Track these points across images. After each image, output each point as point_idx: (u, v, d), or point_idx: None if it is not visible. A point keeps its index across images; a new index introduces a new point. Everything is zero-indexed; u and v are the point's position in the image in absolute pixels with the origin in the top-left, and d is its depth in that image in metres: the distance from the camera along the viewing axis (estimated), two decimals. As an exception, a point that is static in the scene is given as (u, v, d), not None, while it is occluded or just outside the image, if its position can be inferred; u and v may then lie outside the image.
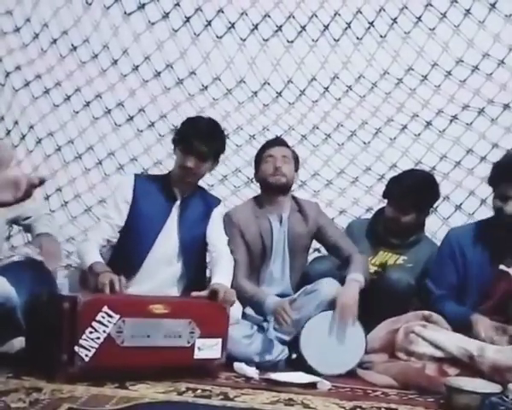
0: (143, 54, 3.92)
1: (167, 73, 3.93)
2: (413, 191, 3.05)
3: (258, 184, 3.19)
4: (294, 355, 2.79)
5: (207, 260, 2.93)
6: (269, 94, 3.92)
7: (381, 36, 3.77)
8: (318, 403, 2.16)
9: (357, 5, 3.77)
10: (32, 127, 4.03)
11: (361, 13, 3.77)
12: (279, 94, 3.92)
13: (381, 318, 2.79)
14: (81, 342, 2.16)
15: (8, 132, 3.99)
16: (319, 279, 2.83)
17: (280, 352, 2.78)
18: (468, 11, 3.63)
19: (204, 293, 2.53)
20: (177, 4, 3.86)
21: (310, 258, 3.21)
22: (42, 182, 1.78)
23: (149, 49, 3.91)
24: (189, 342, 2.37)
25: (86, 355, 2.16)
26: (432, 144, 3.83)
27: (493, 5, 3.59)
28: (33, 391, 1.99)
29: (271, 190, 3.02)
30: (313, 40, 3.83)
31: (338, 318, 2.70)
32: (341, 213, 3.89)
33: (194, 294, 2.55)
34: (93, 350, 2.17)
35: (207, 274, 2.92)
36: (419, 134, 3.85)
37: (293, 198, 3.11)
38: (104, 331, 2.20)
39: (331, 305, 2.75)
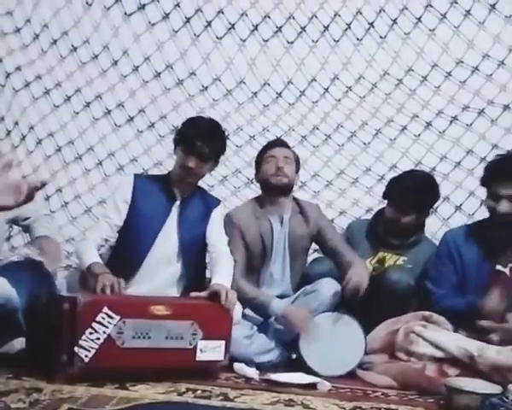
0: (143, 54, 3.92)
1: (167, 73, 3.93)
2: (413, 192, 3.06)
3: (258, 185, 3.19)
4: (294, 356, 2.79)
5: (207, 260, 2.93)
6: (269, 95, 3.92)
7: (381, 37, 3.77)
8: (318, 404, 2.16)
9: (357, 6, 3.77)
10: (32, 128, 4.03)
11: (361, 14, 3.76)
12: (279, 95, 3.92)
13: (381, 318, 2.79)
14: (81, 342, 2.16)
15: (9, 133, 3.99)
16: (319, 280, 2.84)
17: (280, 352, 2.78)
18: (468, 12, 3.63)
19: (204, 294, 2.53)
20: (178, 5, 3.86)
21: (309, 259, 3.21)
22: (43, 185, 1.79)
23: (149, 49, 3.92)
24: (191, 344, 2.37)
25: (86, 356, 2.16)
26: (432, 145, 3.83)
27: (493, 6, 3.59)
28: (33, 392, 1.99)
29: (273, 191, 3.01)
30: (313, 41, 3.83)
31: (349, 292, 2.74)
32: (341, 213, 3.90)
33: (194, 294, 2.55)
34: (93, 351, 2.17)
35: (207, 274, 2.92)
36: (419, 135, 3.85)
37: (295, 199, 3.11)
38: (104, 332, 2.20)
39: (331, 304, 2.76)
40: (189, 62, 3.91)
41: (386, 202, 3.25)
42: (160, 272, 2.76)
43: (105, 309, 2.20)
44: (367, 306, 2.82)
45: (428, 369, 2.50)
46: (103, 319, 2.20)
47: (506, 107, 3.69)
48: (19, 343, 2.40)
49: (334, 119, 3.91)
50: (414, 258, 3.14)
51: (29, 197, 1.73)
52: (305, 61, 3.85)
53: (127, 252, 2.75)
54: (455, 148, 3.81)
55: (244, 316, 2.81)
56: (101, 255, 2.68)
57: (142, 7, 3.87)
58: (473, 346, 2.50)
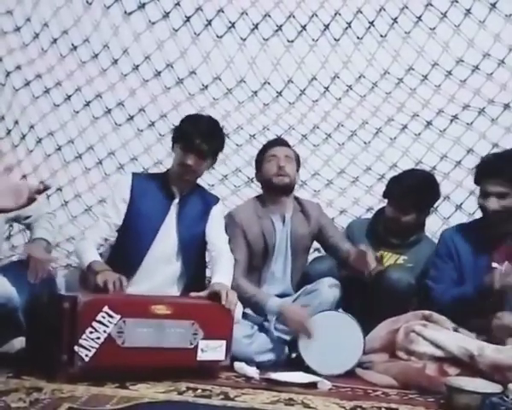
0: (144, 53, 3.92)
1: (167, 72, 3.93)
2: (413, 191, 3.06)
3: (258, 184, 3.18)
4: (294, 355, 2.79)
5: (207, 259, 2.93)
6: (269, 93, 3.92)
7: (382, 35, 3.77)
8: (319, 403, 2.16)
9: (357, 5, 3.77)
10: (32, 127, 4.03)
11: (361, 12, 3.77)
12: (279, 93, 3.92)
13: (382, 317, 2.79)
14: (81, 342, 2.16)
15: (9, 132, 3.99)
16: (319, 279, 2.83)
17: (280, 352, 2.78)
18: (468, 11, 3.64)
19: (203, 293, 2.52)
20: (178, 4, 3.86)
21: (310, 258, 3.21)
22: (46, 188, 1.79)
23: (149, 48, 3.91)
24: (191, 344, 2.36)
25: (86, 355, 2.16)
26: (432, 144, 3.83)
27: (494, 5, 3.59)
28: (34, 391, 1.99)
29: (274, 191, 3.01)
30: (313, 40, 3.83)
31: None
32: (342, 212, 3.89)
33: (193, 294, 2.54)
34: (93, 350, 2.17)
35: (207, 273, 2.92)
36: (419, 134, 3.85)
37: (296, 198, 3.11)
38: (104, 331, 2.20)
39: (332, 304, 2.76)
40: (190, 61, 3.91)
41: (386, 201, 3.24)
42: (160, 270, 2.75)
43: (105, 308, 2.20)
44: (367, 305, 2.82)
45: (429, 368, 2.50)
46: (104, 318, 2.20)
47: (506, 106, 3.69)
48: (19, 343, 2.40)
49: (334, 118, 3.91)
50: (414, 257, 3.14)
51: (30, 200, 1.73)
52: (305, 60, 3.85)
53: (126, 251, 2.74)
54: (455, 147, 3.81)
55: (244, 315, 2.80)
56: (100, 255, 2.68)
57: (142, 6, 3.87)
58: (473, 345, 2.50)
